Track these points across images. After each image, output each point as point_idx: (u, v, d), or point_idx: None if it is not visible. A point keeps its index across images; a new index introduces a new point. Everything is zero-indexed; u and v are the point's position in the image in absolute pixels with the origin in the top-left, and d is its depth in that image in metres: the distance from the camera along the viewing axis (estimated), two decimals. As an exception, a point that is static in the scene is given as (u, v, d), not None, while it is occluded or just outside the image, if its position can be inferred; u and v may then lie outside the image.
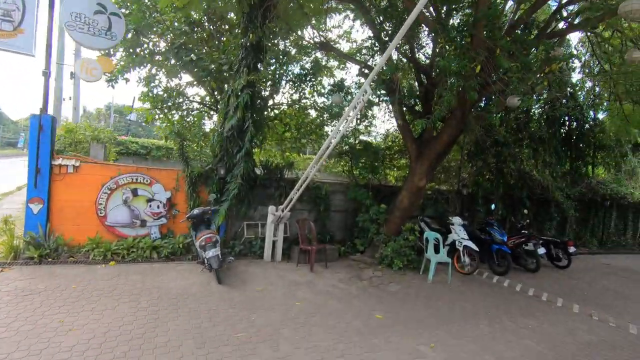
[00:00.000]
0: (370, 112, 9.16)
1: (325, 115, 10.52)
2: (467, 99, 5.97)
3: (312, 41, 8.21)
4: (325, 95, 9.66)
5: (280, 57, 10.04)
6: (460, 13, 7.67)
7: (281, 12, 7.34)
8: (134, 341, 3.55)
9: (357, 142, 8.88)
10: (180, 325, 3.99)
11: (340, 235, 8.75)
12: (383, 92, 7.22)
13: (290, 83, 10.44)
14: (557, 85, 8.22)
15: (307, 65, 10.33)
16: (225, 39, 9.41)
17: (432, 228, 8.30)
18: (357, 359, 3.65)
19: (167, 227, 7.07)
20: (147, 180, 6.84)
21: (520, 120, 10.35)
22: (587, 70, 9.57)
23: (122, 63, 8.68)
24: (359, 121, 8.42)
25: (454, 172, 10.37)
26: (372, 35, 7.99)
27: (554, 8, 7.45)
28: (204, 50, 9.16)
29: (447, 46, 5.31)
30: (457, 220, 7.85)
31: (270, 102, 10.16)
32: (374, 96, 7.26)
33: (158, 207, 6.93)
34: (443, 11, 7.14)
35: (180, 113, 10.45)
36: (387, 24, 7.45)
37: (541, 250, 8.22)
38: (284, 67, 10.29)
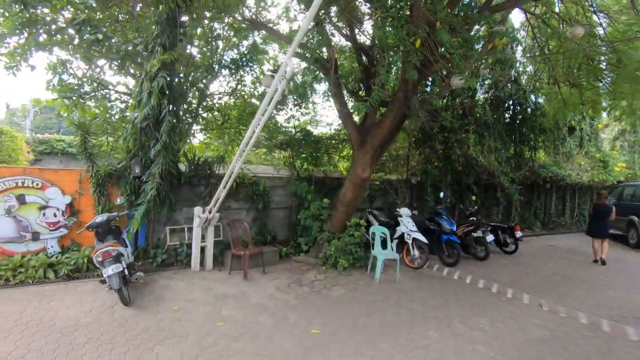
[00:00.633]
0: (311, 98, 8.41)
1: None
2: (408, 79, 5.40)
3: (239, 17, 7.22)
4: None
5: (210, 38, 9.01)
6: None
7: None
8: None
9: (295, 130, 8.12)
10: (47, 376, 3.04)
11: (284, 235, 7.99)
12: (320, 74, 6.49)
13: (227, 69, 9.45)
14: (501, 64, 7.97)
15: (247, 51, 9.41)
16: (140, 13, 8.16)
17: (381, 221, 7.81)
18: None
19: (70, 238, 5.90)
20: (37, 184, 5.60)
21: (465, 105, 10.15)
22: (528, 55, 9.54)
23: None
24: (297, 107, 7.62)
25: (402, 161, 9.97)
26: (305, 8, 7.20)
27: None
28: (116, 29, 7.87)
29: (383, 18, 4.66)
30: (405, 211, 7.40)
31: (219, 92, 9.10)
32: (309, 77, 6.50)
33: (55, 215, 5.73)
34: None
35: (97, 103, 9.05)
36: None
37: (490, 238, 8.03)
38: (216, 50, 9.27)
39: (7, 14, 6.79)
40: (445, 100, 10.11)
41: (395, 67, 6.50)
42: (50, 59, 7.82)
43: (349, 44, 7.94)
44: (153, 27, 6.51)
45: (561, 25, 7.64)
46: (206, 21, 8.53)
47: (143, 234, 6.37)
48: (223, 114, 10.15)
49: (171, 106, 6.10)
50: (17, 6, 6.70)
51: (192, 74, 8.84)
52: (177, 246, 6.42)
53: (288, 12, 8.97)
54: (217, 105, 10.09)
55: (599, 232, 8.07)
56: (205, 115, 10.07)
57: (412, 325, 4.39)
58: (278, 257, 6.86)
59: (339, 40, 8.48)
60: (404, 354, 3.70)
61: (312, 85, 6.72)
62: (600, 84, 8.10)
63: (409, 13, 5.07)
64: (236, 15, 7.50)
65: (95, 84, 8.70)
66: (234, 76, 9.84)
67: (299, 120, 8.47)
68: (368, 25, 7.77)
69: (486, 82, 10.57)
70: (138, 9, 7.90)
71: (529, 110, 10.09)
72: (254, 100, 10.24)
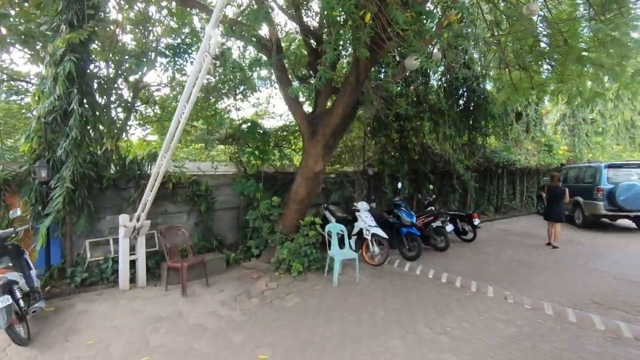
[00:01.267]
0: (258, 86, 7.64)
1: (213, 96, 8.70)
2: (359, 58, 4.85)
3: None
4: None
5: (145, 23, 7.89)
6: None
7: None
8: None
9: (240, 122, 7.33)
10: None
11: (233, 238, 7.22)
12: (262, 55, 5.76)
13: (164, 57, 8.38)
14: (454, 47, 7.72)
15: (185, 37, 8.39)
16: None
17: (338, 217, 7.29)
18: None
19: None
20: None
21: (419, 92, 9.89)
22: (480, 42, 9.44)
23: None
24: (241, 96, 6.82)
25: (358, 152, 9.53)
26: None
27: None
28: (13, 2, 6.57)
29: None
30: (362, 205, 6.94)
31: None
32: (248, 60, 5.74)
33: None
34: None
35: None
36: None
37: (449, 228, 7.81)
38: (150, 35, 8.16)
39: None
40: (399, 87, 9.79)
41: (344, 48, 5.93)
42: None
43: (295, 26, 7.27)
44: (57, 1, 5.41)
45: (511, 5, 7.49)
46: (139, 4, 7.46)
47: (57, 249, 5.34)
48: (161, 107, 9.09)
49: (80, 96, 5.07)
50: None
51: (124, 63, 7.70)
52: (101, 261, 5.45)
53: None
54: (155, 97, 9.00)
55: (553, 216, 8.13)
56: (142, 108, 8.95)
57: (374, 336, 3.89)
58: (225, 265, 6.10)
59: (285, 23, 7.78)
60: (365, 375, 3.18)
61: (252, 67, 5.96)
62: (549, 67, 8.12)
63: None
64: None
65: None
66: (171, 65, 8.80)
67: (238, 109, 7.62)
68: (315, 5, 7.17)
69: (439, 69, 10.38)
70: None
71: (481, 96, 10.03)
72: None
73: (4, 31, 6.20)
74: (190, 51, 8.54)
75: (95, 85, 6.13)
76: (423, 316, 4.40)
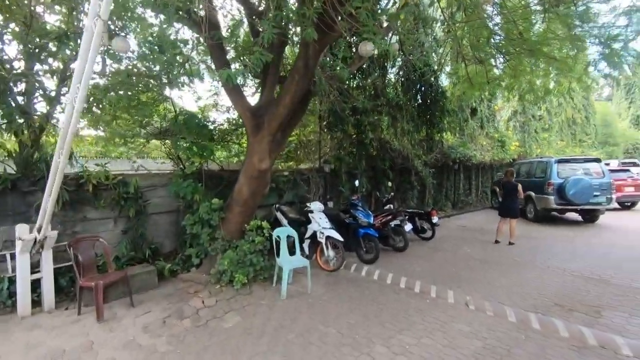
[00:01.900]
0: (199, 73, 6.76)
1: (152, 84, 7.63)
2: (307, 42, 4.25)
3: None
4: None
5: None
6: None
7: None
8: None
9: (175, 114, 6.46)
10: None
11: (171, 246, 6.37)
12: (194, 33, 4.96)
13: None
14: (413, 24, 7.31)
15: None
16: None
17: (291, 218, 6.69)
18: None
19: None
20: None
21: (377, 85, 9.49)
22: (436, 28, 9.25)
23: None
24: (176, 84, 5.92)
25: (314, 147, 8.96)
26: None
27: None
28: None
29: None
30: (316, 206, 6.38)
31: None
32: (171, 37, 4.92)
33: None
34: None
35: None
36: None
37: (408, 227, 7.48)
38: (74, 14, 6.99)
39: None
40: (356, 80, 9.34)
41: (288, 27, 5.29)
42: None
43: (241, 7, 6.51)
44: None
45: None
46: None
47: None
48: (94, 98, 7.91)
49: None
50: None
51: (45, 44, 6.48)
52: (-7, 283, 4.44)
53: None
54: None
55: (509, 212, 8.05)
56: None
57: (324, 362, 3.33)
58: (157, 279, 5.27)
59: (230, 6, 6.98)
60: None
61: (177, 44, 5.13)
62: (503, 61, 8.00)
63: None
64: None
65: None
66: (101, 50, 7.65)
67: (167, 100, 6.71)
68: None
69: (397, 62, 10.06)
70: None
71: (438, 91, 9.84)
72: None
73: None
74: (124, 33, 7.49)
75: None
76: (380, 333, 3.91)
